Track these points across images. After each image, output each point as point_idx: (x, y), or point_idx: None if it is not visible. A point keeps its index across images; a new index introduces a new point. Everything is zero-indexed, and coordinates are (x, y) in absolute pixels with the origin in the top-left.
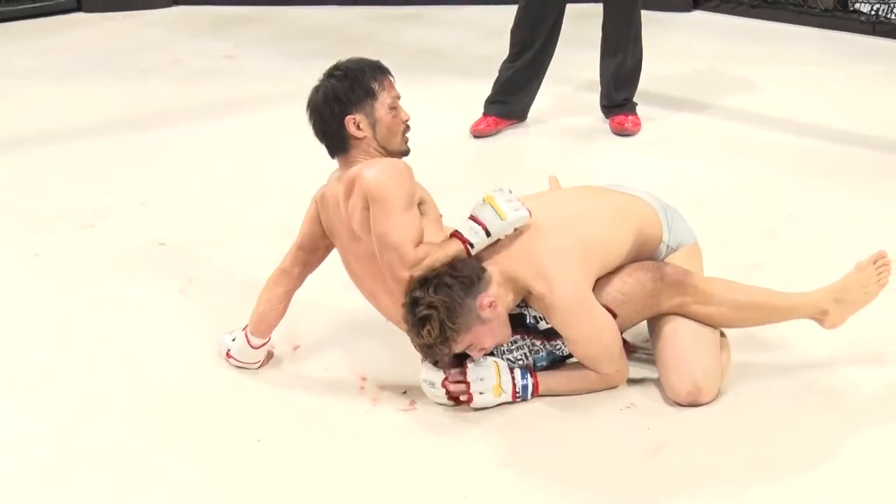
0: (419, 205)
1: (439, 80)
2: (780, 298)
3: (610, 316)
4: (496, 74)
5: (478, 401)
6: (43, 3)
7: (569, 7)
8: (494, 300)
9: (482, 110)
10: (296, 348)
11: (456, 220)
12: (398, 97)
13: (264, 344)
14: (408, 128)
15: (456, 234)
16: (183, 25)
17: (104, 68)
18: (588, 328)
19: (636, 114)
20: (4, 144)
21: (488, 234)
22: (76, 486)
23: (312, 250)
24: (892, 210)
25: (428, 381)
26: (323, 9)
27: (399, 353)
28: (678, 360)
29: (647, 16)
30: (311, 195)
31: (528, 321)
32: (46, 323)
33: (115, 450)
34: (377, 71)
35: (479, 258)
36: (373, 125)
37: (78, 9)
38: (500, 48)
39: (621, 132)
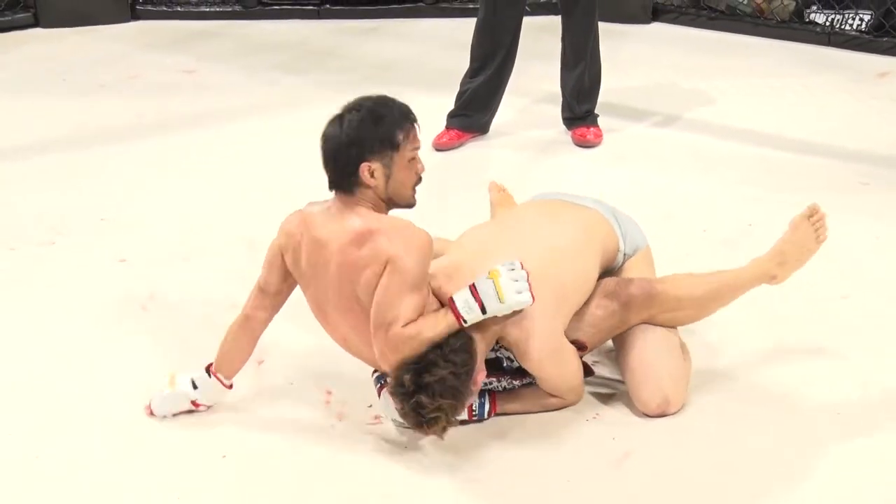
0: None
1: (401, 94)
2: (732, 278)
3: (577, 356)
4: (456, 87)
5: None
6: None
7: (527, 19)
8: (482, 372)
9: (444, 123)
10: (261, 363)
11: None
12: (418, 147)
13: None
14: (420, 180)
15: (452, 306)
16: (141, 40)
17: (62, 83)
18: (558, 371)
19: (598, 125)
20: None
21: (484, 311)
22: None
23: (276, 293)
24: (848, 218)
25: (398, 423)
26: (282, 23)
27: (364, 368)
28: (646, 372)
29: (607, 28)
30: (271, 208)
31: (504, 364)
32: (6, 340)
33: (76, 468)
34: (405, 118)
35: None
36: (387, 176)
37: (35, 24)
38: (458, 60)
39: (583, 144)
